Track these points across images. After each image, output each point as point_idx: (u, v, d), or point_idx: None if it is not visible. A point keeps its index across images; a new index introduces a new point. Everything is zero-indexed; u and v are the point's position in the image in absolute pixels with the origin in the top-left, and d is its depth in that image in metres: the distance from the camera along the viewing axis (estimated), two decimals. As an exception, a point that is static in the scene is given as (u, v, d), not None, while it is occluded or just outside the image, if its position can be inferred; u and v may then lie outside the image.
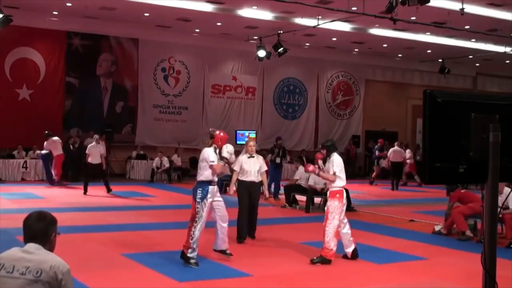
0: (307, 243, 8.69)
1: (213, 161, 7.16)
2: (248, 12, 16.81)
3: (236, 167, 8.98)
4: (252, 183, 8.88)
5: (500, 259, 2.60)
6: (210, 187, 7.19)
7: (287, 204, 13.23)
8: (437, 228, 10.06)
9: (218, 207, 7.31)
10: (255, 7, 16.43)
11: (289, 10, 16.30)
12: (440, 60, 22.04)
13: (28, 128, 17.86)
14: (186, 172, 19.74)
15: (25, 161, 17.56)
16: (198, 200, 7.13)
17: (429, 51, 22.08)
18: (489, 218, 2.56)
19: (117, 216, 11.20)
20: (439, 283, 6.77)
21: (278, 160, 15.01)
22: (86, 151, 15.05)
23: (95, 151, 14.89)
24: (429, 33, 19.24)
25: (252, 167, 8.92)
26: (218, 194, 7.37)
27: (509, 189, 8.27)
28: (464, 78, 27.69)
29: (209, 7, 16.37)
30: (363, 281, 6.82)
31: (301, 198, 13.12)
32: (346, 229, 7.66)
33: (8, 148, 17.93)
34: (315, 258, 7.39)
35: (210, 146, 7.32)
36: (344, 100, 24.83)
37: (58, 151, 16.31)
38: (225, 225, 7.32)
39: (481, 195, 2.61)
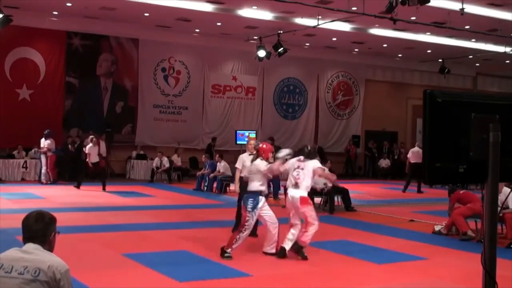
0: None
1: (267, 165, 7.53)
2: (248, 12, 16.81)
3: (238, 165, 9.11)
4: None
5: (500, 259, 2.60)
6: (260, 197, 7.51)
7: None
8: (437, 228, 10.06)
9: (266, 214, 7.61)
10: (255, 7, 16.43)
11: (289, 10, 16.30)
12: (440, 60, 22.04)
13: (28, 128, 17.86)
14: (186, 172, 19.74)
15: (25, 161, 17.56)
16: (249, 209, 7.43)
17: (429, 51, 22.08)
18: (489, 218, 2.56)
19: (117, 216, 11.19)
20: (439, 283, 6.77)
21: (272, 160, 14.87)
22: (86, 151, 15.60)
23: (93, 151, 15.50)
24: (429, 33, 19.24)
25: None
26: (266, 204, 7.64)
27: (508, 189, 8.26)
28: (464, 78, 27.68)
29: (209, 7, 16.38)
30: (363, 281, 6.81)
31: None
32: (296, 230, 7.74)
33: (8, 148, 17.93)
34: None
35: (256, 158, 7.68)
36: (344, 100, 24.84)
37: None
38: (275, 232, 7.63)
39: (481, 195, 2.61)
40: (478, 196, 9.74)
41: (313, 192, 12.58)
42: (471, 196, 9.93)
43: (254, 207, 7.42)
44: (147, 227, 9.92)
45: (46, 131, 16.53)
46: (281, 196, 13.96)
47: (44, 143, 16.50)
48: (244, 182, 8.27)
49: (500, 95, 3.29)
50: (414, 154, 17.56)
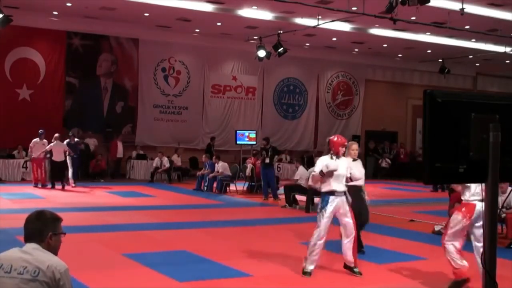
0: (307, 243, 8.65)
1: (315, 171, 6.85)
2: (248, 12, 16.81)
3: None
4: (353, 186, 7.92)
5: (500, 259, 2.60)
6: (331, 197, 6.76)
7: (287, 204, 13.22)
8: (437, 228, 10.06)
9: (343, 221, 6.89)
10: (255, 7, 16.43)
11: (289, 10, 16.30)
12: (440, 60, 22.04)
13: (28, 128, 17.83)
14: (186, 172, 19.74)
15: (25, 161, 17.54)
16: (317, 210, 6.88)
17: (429, 51, 22.08)
18: (489, 218, 2.56)
19: (117, 216, 11.19)
20: (439, 283, 6.76)
21: (267, 160, 14.83)
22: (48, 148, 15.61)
23: (56, 149, 15.48)
24: (429, 33, 19.24)
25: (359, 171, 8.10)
26: (346, 206, 6.82)
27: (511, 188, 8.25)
28: (464, 78, 27.68)
29: (209, 7, 16.37)
30: (363, 281, 6.81)
31: (301, 198, 13.11)
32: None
33: (8, 148, 17.93)
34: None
35: (327, 154, 6.94)
36: (344, 100, 24.85)
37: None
38: (346, 241, 6.86)
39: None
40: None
41: (313, 192, 12.62)
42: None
43: (323, 207, 6.78)
44: (147, 227, 9.92)
45: (40, 130, 15.91)
46: (281, 196, 13.97)
47: (44, 143, 15.83)
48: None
49: (500, 95, 3.29)
50: None
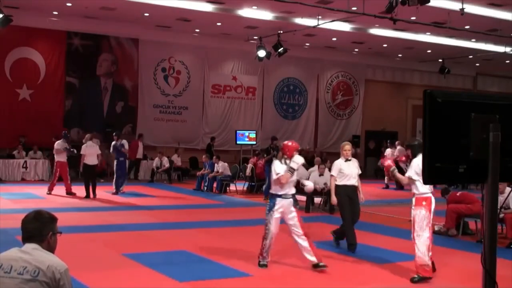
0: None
1: (278, 173, 7.01)
2: (248, 12, 16.81)
3: (333, 172, 8.39)
4: (352, 187, 8.34)
5: (500, 259, 2.60)
6: (278, 199, 7.06)
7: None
8: (437, 228, 10.05)
9: (290, 221, 7.12)
10: (255, 7, 16.43)
11: (289, 10, 16.31)
12: (440, 60, 22.05)
13: (28, 128, 17.86)
14: (186, 172, 19.74)
15: (25, 161, 17.55)
16: (266, 211, 7.18)
17: (429, 51, 22.08)
18: (489, 218, 2.55)
19: (117, 216, 11.20)
20: (439, 283, 6.76)
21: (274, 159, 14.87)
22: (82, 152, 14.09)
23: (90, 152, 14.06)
24: (429, 33, 19.24)
25: (351, 171, 8.36)
26: (292, 208, 7.10)
27: (509, 189, 8.26)
28: (464, 78, 27.69)
29: (209, 7, 16.38)
30: (363, 281, 6.81)
31: (301, 198, 13.09)
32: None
33: (8, 148, 17.93)
34: (415, 276, 6.69)
35: (279, 159, 7.20)
36: (343, 100, 24.85)
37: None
38: (300, 240, 7.07)
39: (481, 195, 2.61)
40: (476, 197, 9.77)
41: (313, 192, 12.62)
42: (470, 197, 9.93)
43: (270, 209, 7.10)
44: (147, 227, 9.92)
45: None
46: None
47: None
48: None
49: (500, 95, 3.29)
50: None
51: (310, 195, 12.59)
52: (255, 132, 20.88)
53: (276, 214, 7.05)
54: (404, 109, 26.51)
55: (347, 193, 8.25)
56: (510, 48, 20.55)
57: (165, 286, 6.29)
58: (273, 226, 7.05)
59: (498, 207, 2.58)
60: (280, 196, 7.07)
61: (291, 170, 6.99)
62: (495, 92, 27.39)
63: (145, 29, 19.32)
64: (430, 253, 6.57)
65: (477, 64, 25.70)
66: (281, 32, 17.78)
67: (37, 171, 17.64)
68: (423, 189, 6.64)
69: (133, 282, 6.40)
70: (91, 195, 13.67)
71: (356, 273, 7.14)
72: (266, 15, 17.03)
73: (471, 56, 22.66)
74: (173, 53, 20.87)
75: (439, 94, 2.48)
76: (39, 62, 18.57)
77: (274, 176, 7.02)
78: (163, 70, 20.74)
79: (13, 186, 15.66)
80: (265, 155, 15.28)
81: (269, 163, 14.86)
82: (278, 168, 7.05)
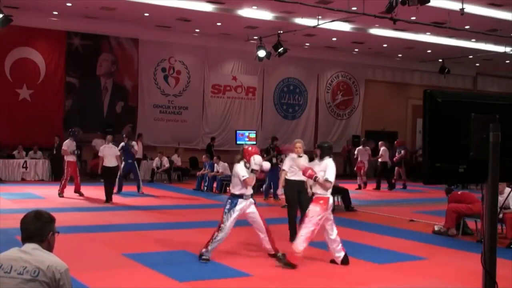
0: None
1: (244, 176, 7.38)
2: (248, 12, 16.81)
3: (285, 167, 9.12)
4: (301, 181, 8.90)
5: (500, 259, 2.60)
6: (240, 200, 7.44)
7: (287, 204, 13.19)
8: (437, 228, 10.07)
9: (253, 219, 7.60)
10: (255, 7, 16.44)
11: (289, 10, 16.31)
12: (440, 60, 22.05)
13: (28, 128, 17.85)
14: (186, 172, 19.74)
15: (25, 161, 17.55)
16: (225, 210, 7.46)
17: (429, 51, 22.08)
18: (489, 218, 2.56)
19: (117, 216, 11.20)
20: (439, 283, 6.76)
21: (274, 160, 14.88)
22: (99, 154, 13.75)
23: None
24: (429, 33, 19.25)
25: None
26: (253, 207, 7.54)
27: (509, 189, 8.26)
28: (464, 78, 27.69)
29: (209, 7, 16.38)
30: (363, 281, 6.81)
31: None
32: (334, 235, 7.38)
33: (8, 148, 17.93)
34: (280, 255, 7.28)
35: (239, 162, 7.58)
36: (343, 100, 24.85)
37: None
38: (264, 235, 7.61)
39: (482, 195, 2.61)
40: (476, 197, 9.77)
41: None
42: (470, 196, 9.94)
43: (231, 208, 7.42)
44: (147, 227, 9.91)
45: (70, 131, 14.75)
46: (281, 196, 13.96)
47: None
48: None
49: (500, 95, 3.29)
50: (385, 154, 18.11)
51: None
52: (255, 132, 20.87)
53: (236, 213, 7.40)
54: (404, 109, 26.51)
55: (297, 187, 8.93)
56: (510, 48, 20.55)
57: (165, 286, 6.29)
58: (230, 223, 7.39)
59: (498, 207, 2.58)
60: (242, 196, 7.44)
61: (254, 172, 7.46)
62: (495, 92, 27.39)
63: (145, 29, 19.32)
64: (305, 245, 7.12)
65: (477, 64, 25.71)
66: (281, 32, 17.78)
67: (37, 171, 17.64)
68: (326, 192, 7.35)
69: (133, 282, 6.40)
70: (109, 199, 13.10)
71: (356, 273, 7.14)
72: (266, 15, 17.03)
73: (471, 56, 22.67)
74: (173, 53, 20.87)
75: (439, 94, 2.49)
76: (39, 62, 18.57)
77: (240, 179, 7.39)
78: (163, 70, 20.74)
79: (13, 186, 15.66)
80: (265, 155, 15.26)
81: (271, 164, 14.92)
82: (243, 171, 7.40)
